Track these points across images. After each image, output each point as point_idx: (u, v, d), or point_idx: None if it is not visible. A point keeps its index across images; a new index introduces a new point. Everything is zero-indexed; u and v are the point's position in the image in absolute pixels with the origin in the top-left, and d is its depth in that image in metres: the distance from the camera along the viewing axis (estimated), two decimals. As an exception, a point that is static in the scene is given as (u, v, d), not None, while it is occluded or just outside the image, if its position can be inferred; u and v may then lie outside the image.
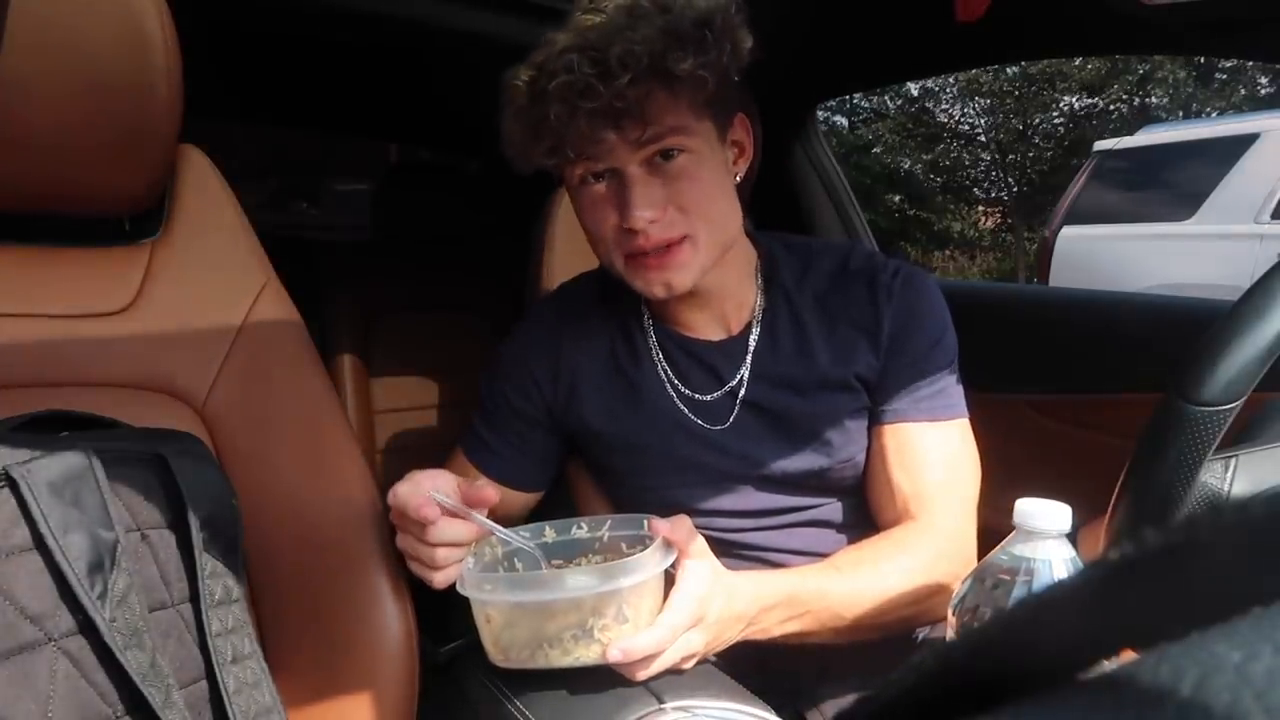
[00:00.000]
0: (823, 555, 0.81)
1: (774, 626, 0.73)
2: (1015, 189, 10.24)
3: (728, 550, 0.84)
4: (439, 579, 0.69)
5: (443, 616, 0.83)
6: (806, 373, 0.85)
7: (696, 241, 0.78)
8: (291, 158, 3.24)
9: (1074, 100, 9.68)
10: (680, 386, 0.87)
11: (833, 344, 0.85)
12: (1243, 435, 0.72)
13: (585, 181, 0.78)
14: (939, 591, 0.76)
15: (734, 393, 0.86)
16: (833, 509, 0.87)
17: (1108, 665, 0.16)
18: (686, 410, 0.87)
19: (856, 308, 0.85)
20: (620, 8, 0.71)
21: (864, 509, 0.87)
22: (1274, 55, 1.10)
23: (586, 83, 0.68)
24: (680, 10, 0.70)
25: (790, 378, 0.85)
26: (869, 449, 0.85)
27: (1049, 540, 0.55)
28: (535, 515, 0.86)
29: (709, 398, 0.87)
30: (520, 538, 0.73)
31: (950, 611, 0.59)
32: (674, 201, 0.76)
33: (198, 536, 0.64)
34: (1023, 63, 8.21)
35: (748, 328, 0.87)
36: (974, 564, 0.78)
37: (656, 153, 0.75)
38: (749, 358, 0.86)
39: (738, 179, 0.83)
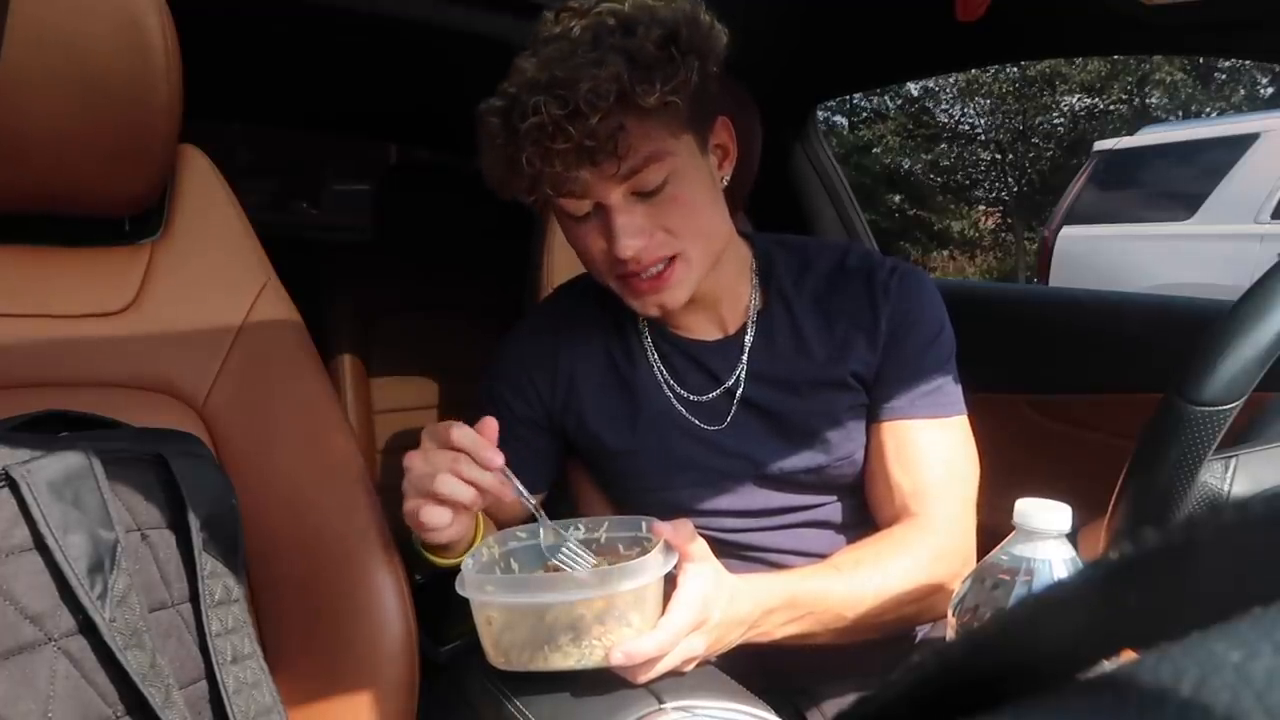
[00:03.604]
0: (822, 555, 0.81)
1: (775, 629, 0.72)
2: (1015, 189, 10.25)
3: (728, 551, 0.84)
4: (437, 516, 0.68)
5: (442, 616, 0.83)
6: (803, 371, 0.85)
7: (688, 259, 0.78)
8: (291, 158, 3.24)
9: (1074, 100, 9.68)
10: (677, 387, 0.87)
11: (830, 342, 0.85)
12: (1243, 435, 0.72)
13: (569, 215, 0.78)
14: (939, 590, 0.76)
15: (731, 392, 0.86)
16: (832, 508, 0.87)
17: (1108, 665, 0.16)
18: (684, 411, 0.87)
19: (854, 306, 0.85)
20: (586, 28, 0.70)
21: (863, 508, 0.87)
22: (1274, 55, 1.10)
23: (556, 123, 0.68)
24: (644, 30, 0.69)
25: (787, 376, 0.85)
26: (868, 447, 0.85)
27: (1049, 540, 0.55)
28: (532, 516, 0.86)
29: (706, 398, 0.87)
30: (552, 526, 0.74)
31: (950, 612, 0.59)
32: (660, 224, 0.76)
33: (198, 536, 0.64)
34: (1023, 63, 8.21)
35: (743, 328, 0.87)
36: (973, 562, 0.78)
37: (637, 186, 0.74)
38: (745, 357, 0.86)
39: (724, 182, 0.83)
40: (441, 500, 0.68)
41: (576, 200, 0.75)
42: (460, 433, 0.68)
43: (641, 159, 0.72)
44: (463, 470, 0.67)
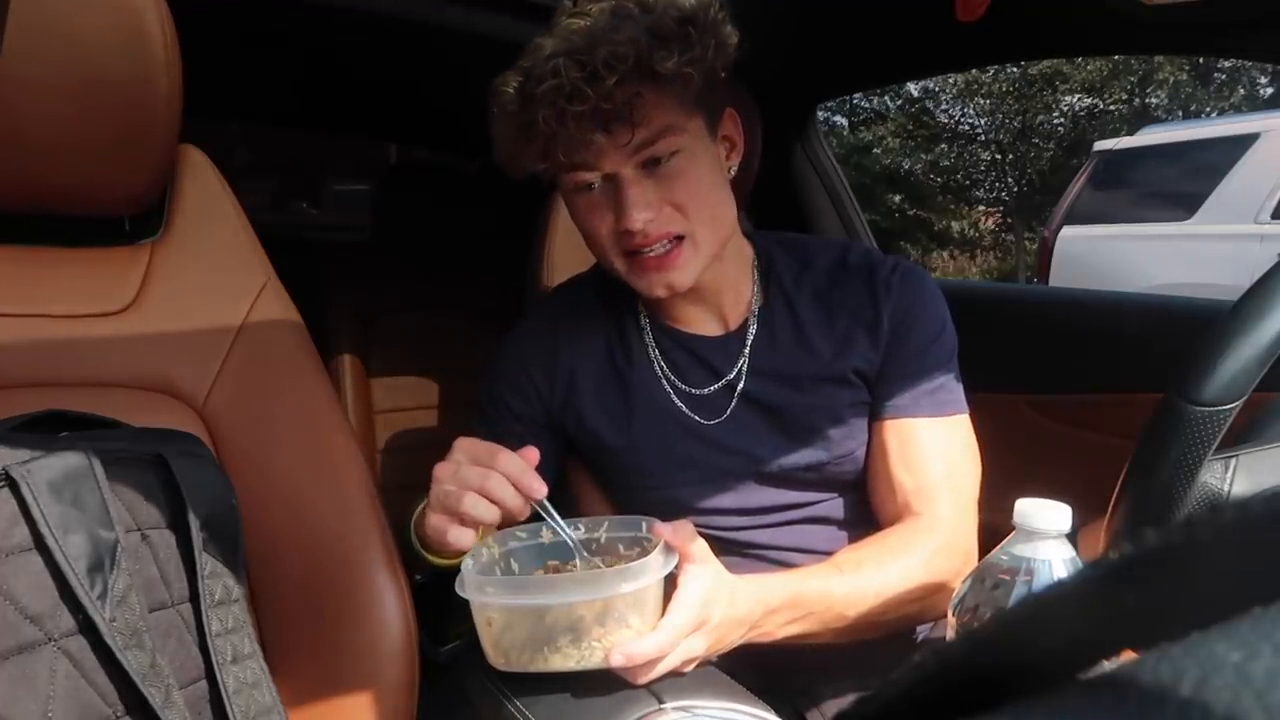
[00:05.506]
0: (823, 552, 0.81)
1: (776, 629, 0.72)
2: (1015, 189, 10.25)
3: (728, 548, 0.84)
4: (464, 537, 0.68)
5: (442, 616, 0.83)
6: (805, 366, 0.85)
7: (695, 241, 0.78)
8: (291, 158, 3.24)
9: (1074, 100, 9.68)
10: (676, 381, 0.87)
11: (832, 339, 0.85)
12: (1243, 435, 0.72)
13: (579, 189, 0.78)
14: (940, 588, 0.76)
15: (731, 386, 0.86)
16: (832, 505, 0.87)
17: (1108, 665, 0.16)
18: (683, 406, 0.87)
19: (855, 303, 0.85)
20: (604, 10, 0.72)
21: (864, 505, 0.87)
22: (1274, 55, 1.10)
23: (574, 86, 0.69)
24: (663, 9, 0.71)
25: (788, 372, 0.85)
26: (869, 445, 0.85)
27: (1049, 540, 0.55)
28: (535, 516, 0.86)
29: (705, 391, 0.87)
30: (571, 534, 0.73)
31: (950, 612, 0.59)
32: (669, 200, 0.77)
33: (198, 536, 0.64)
34: (1023, 63, 8.21)
35: (745, 323, 0.87)
36: (975, 560, 0.78)
37: (649, 158, 0.75)
38: (747, 351, 0.86)
39: (731, 173, 0.84)
40: (465, 520, 0.68)
41: (588, 171, 0.76)
42: (507, 459, 0.68)
43: (655, 131, 0.74)
44: (493, 491, 0.67)
